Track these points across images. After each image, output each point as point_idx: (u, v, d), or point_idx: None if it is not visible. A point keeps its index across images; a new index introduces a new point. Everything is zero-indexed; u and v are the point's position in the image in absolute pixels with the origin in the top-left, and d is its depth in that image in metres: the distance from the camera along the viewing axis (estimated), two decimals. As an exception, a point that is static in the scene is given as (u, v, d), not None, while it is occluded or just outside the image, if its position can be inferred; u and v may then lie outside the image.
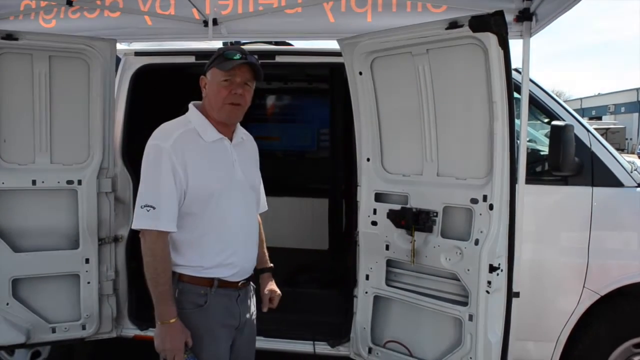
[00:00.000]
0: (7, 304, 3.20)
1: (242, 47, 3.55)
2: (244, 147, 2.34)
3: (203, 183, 2.12)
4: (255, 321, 2.41)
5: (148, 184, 2.09)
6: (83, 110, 3.30)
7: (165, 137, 2.10)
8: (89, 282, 3.32)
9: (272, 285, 2.49)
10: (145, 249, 2.08)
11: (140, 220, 2.08)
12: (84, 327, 3.34)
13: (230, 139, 2.25)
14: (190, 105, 2.25)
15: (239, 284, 2.25)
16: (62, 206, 3.32)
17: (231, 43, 3.85)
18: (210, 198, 2.14)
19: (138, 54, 3.75)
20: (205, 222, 2.14)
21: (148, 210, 2.05)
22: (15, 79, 3.20)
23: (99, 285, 3.35)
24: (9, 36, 3.08)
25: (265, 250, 2.53)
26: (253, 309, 2.39)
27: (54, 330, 3.29)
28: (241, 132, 2.33)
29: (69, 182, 3.29)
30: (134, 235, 3.55)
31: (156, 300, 2.08)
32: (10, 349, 3.43)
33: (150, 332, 3.53)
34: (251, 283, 2.37)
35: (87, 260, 3.31)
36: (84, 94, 3.29)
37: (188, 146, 2.11)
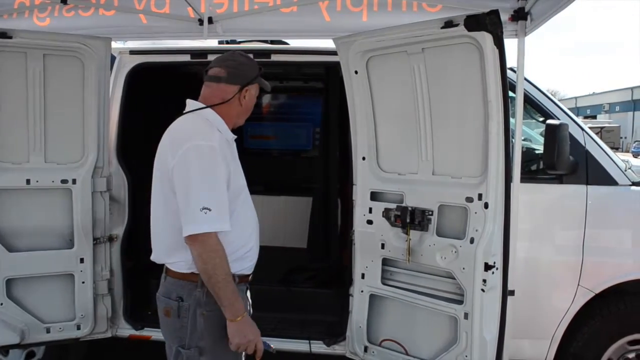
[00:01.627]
0: (1, 304, 3.19)
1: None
2: None
3: (237, 181, 2.18)
4: None
5: (202, 185, 2.03)
6: (78, 109, 3.29)
7: (211, 138, 2.09)
8: (83, 282, 3.31)
9: None
10: (210, 252, 2.01)
11: (200, 224, 2.00)
12: (78, 327, 3.33)
13: None
14: (209, 110, 2.20)
15: (249, 276, 2.30)
16: (57, 205, 3.30)
17: (227, 42, 3.84)
18: (240, 195, 2.20)
19: (133, 52, 3.74)
20: (234, 219, 2.14)
21: (206, 213, 1.99)
22: (9, 77, 3.18)
23: (93, 284, 3.34)
24: (3, 34, 3.06)
25: None
26: None
27: (48, 331, 3.28)
28: None
29: (64, 181, 3.27)
30: (129, 234, 3.56)
31: (228, 300, 2.04)
32: (5, 349, 3.41)
33: (145, 332, 3.52)
34: None
35: (81, 260, 3.30)
36: (78, 92, 3.27)
37: (224, 146, 2.15)
